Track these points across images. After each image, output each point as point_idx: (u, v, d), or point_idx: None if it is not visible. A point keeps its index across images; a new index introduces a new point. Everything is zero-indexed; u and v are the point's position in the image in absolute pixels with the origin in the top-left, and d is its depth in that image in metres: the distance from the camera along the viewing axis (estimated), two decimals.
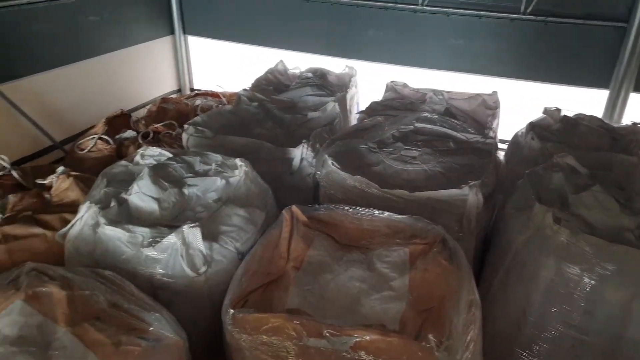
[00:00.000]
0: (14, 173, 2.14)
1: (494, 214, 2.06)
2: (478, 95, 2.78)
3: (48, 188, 2.09)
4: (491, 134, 2.44)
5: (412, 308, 1.36)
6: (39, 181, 2.09)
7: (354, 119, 2.82)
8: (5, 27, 2.46)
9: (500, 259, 1.74)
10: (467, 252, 1.57)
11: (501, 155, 2.31)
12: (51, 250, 1.81)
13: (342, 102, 2.62)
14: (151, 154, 1.88)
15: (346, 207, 1.68)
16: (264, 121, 2.54)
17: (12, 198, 2.01)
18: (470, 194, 1.75)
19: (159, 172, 1.74)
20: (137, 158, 1.87)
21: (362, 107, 2.64)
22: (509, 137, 2.54)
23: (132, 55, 3.27)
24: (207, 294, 1.55)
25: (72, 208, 1.96)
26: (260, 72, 3.06)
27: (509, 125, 2.71)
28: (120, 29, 3.15)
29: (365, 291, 1.42)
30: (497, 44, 2.93)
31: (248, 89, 2.79)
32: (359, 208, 1.67)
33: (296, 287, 1.43)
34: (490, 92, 2.77)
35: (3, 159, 2.14)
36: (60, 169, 2.09)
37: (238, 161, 1.91)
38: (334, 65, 3.18)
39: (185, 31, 3.67)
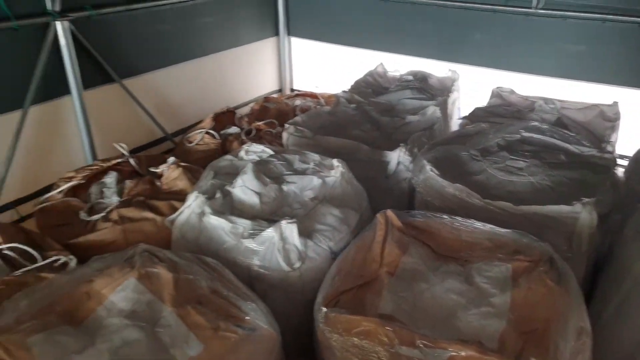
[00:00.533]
0: (131, 160, 2.34)
1: (609, 236, 1.88)
2: (595, 105, 2.55)
3: (159, 176, 2.26)
4: (609, 148, 2.23)
5: (512, 328, 1.27)
6: (152, 169, 2.27)
7: (455, 125, 2.73)
8: (134, 27, 2.70)
9: (616, 285, 1.58)
10: (575, 274, 1.45)
11: (620, 172, 2.11)
12: (159, 234, 1.95)
13: (443, 107, 2.55)
14: (254, 150, 1.96)
15: (444, 216, 1.62)
16: (361, 123, 2.54)
17: (128, 183, 2.20)
18: (583, 212, 1.61)
19: (261, 168, 1.81)
20: (242, 153, 1.96)
21: (464, 113, 2.55)
22: (630, 153, 2.31)
23: (240, 55, 3.43)
24: (301, 290, 1.58)
25: (180, 196, 2.10)
26: (359, 74, 3.07)
27: (631, 139, 2.46)
28: (231, 30, 3.33)
29: (463, 305, 1.36)
30: (624, 50, 2.67)
31: (347, 90, 2.81)
32: (458, 218, 1.61)
33: (390, 293, 1.41)
34: (609, 102, 2.54)
35: (123, 147, 2.35)
36: (171, 159, 2.25)
37: (335, 161, 1.93)
38: (436, 68, 3.10)
39: (290, 33, 3.79)
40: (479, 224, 1.58)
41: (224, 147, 2.63)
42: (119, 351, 1.19)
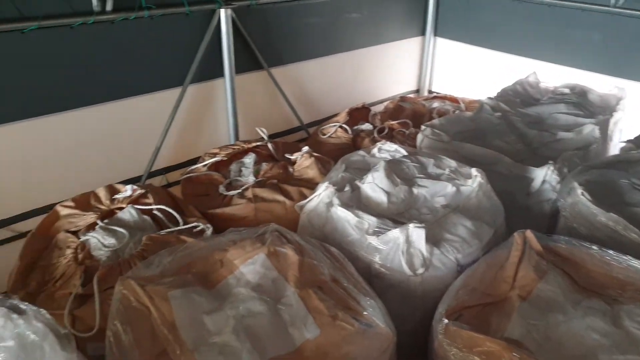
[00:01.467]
0: (269, 145, 2.47)
1: None
2: None
3: (293, 163, 2.35)
4: None
5: None
6: (287, 155, 2.37)
7: (615, 148, 2.44)
8: (287, 18, 2.84)
9: None
10: None
11: None
12: (287, 217, 2.03)
13: (603, 127, 2.28)
14: (388, 149, 1.95)
15: (594, 247, 1.45)
16: (505, 134, 2.39)
17: (264, 166, 2.33)
18: None
19: (393, 167, 1.79)
20: (375, 150, 1.96)
21: (629, 136, 2.26)
22: None
23: (381, 52, 3.44)
24: (420, 296, 1.53)
25: (309, 184, 2.17)
26: (507, 81, 2.89)
27: None
28: (376, 27, 3.34)
29: (606, 348, 1.20)
30: None
31: (492, 98, 2.66)
32: (610, 251, 1.43)
33: (520, 318, 1.30)
34: None
35: (263, 132, 2.49)
36: (305, 148, 2.33)
37: (473, 171, 1.83)
38: (598, 83, 2.79)
39: (436, 33, 3.69)
40: (635, 262, 1.39)
41: (355, 143, 2.65)
42: (244, 320, 1.26)
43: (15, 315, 1.18)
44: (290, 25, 2.86)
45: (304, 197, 2.09)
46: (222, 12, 2.47)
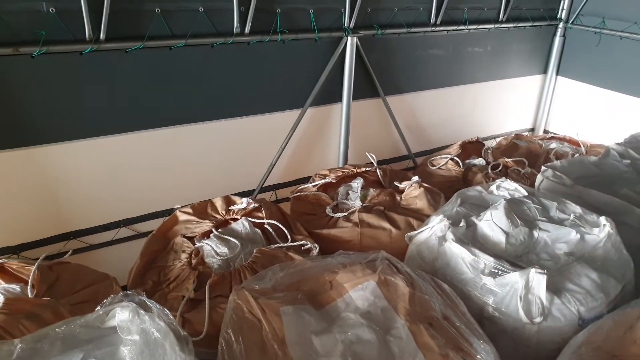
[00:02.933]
0: (378, 171, 2.47)
1: None
2: None
3: (400, 191, 2.33)
4: None
5: None
6: (396, 183, 2.36)
7: None
8: (409, 48, 2.87)
9: None
10: None
11: None
12: (391, 245, 2.00)
13: None
14: (507, 187, 1.86)
15: None
16: (634, 183, 2.18)
17: (372, 191, 2.33)
18: None
19: (513, 207, 1.70)
20: (493, 187, 1.88)
21: None
22: None
23: (500, 88, 3.34)
24: (534, 346, 1.42)
25: (417, 214, 2.13)
26: (635, 127, 2.65)
27: None
28: (497, 62, 3.26)
29: None
30: None
31: (620, 143, 2.45)
32: None
33: None
34: None
35: (372, 157, 2.50)
36: (415, 178, 2.30)
37: (602, 219, 1.69)
38: None
39: (559, 72, 3.51)
40: None
41: (466, 177, 2.57)
42: (352, 346, 1.24)
43: (142, 312, 1.26)
44: (411, 56, 2.88)
45: (411, 226, 2.05)
46: (349, 40, 2.55)
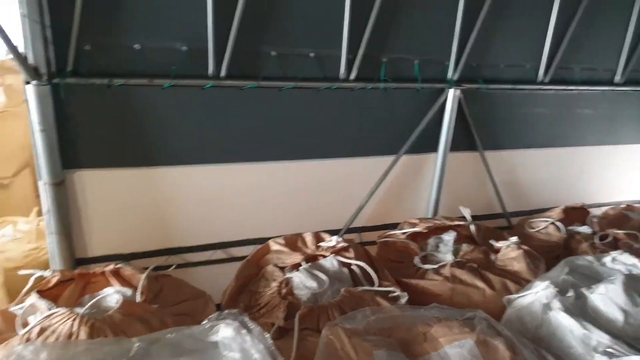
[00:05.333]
0: (472, 227, 2.41)
1: None
2: None
3: (495, 250, 2.25)
4: None
5: None
6: (492, 242, 2.28)
7: None
8: (512, 104, 2.83)
9: None
10: None
11: None
12: (485, 306, 1.90)
13: None
14: (624, 262, 1.75)
15: None
16: None
17: (465, 247, 2.27)
18: None
19: (632, 284, 1.58)
20: (607, 260, 1.77)
21: None
22: None
23: (611, 154, 3.17)
24: None
25: (514, 277, 2.04)
26: None
27: None
28: (609, 126, 3.11)
29: None
30: None
31: None
32: None
33: None
34: None
35: (467, 212, 2.45)
36: (514, 239, 2.21)
37: None
38: None
39: None
40: None
41: (568, 244, 2.42)
42: None
43: (244, 331, 1.31)
44: (515, 112, 2.84)
45: (507, 289, 1.97)
46: (451, 92, 2.57)
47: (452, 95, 2.58)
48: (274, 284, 1.97)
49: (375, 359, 1.30)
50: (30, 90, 1.78)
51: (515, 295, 1.69)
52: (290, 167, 2.48)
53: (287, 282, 1.95)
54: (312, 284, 1.93)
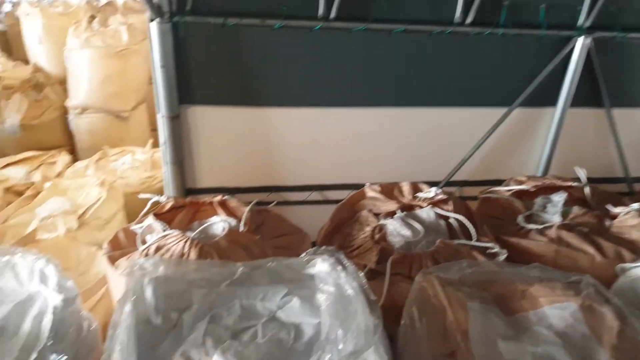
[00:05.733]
0: (586, 189, 2.22)
1: None
2: None
3: (612, 216, 2.06)
4: None
5: None
6: (608, 207, 2.09)
7: None
8: None
9: None
10: None
11: None
12: (592, 272, 1.76)
13: None
14: None
15: None
16: None
17: (576, 209, 2.10)
18: None
19: None
20: None
21: None
22: None
23: None
24: None
25: (631, 246, 1.86)
26: None
27: None
28: None
29: None
30: None
31: None
32: None
33: None
34: None
35: (582, 173, 2.25)
36: (636, 205, 2.01)
37: None
38: None
39: None
40: None
41: None
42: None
43: (339, 268, 1.35)
44: None
45: (621, 257, 1.81)
46: (580, 40, 2.31)
47: (580, 45, 2.32)
48: (368, 229, 1.99)
49: (468, 310, 1.28)
50: (154, 27, 1.90)
51: (631, 265, 1.56)
52: (394, 113, 2.43)
53: (381, 229, 1.97)
54: (407, 232, 1.93)
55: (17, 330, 1.16)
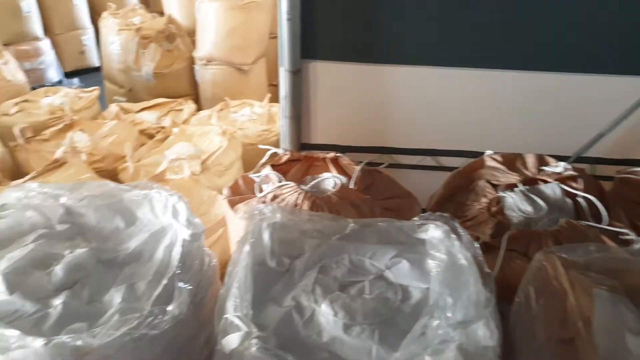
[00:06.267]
0: None
1: None
2: None
3: None
4: None
5: None
6: None
7: None
8: None
9: None
10: None
11: None
12: None
13: None
14: None
15: None
16: None
17: None
18: None
19: None
20: None
21: None
22: None
23: None
24: None
25: None
26: None
27: None
28: None
29: None
30: None
31: None
32: None
33: None
34: None
35: None
36: None
37: None
38: None
39: None
40: None
41: None
42: None
43: (453, 236, 1.30)
44: None
45: None
46: None
47: None
48: (484, 200, 1.90)
49: (593, 297, 1.17)
50: None
51: None
52: (526, 77, 2.23)
53: (499, 201, 1.86)
54: (527, 207, 1.81)
55: (151, 256, 1.29)
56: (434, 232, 1.30)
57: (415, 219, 1.37)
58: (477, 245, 1.27)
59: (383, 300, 1.19)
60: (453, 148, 2.43)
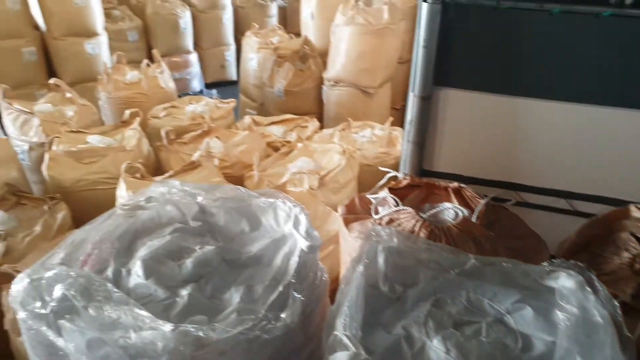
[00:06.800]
0: None
1: None
2: None
3: None
4: None
5: None
6: None
7: None
8: None
9: None
10: None
11: None
12: None
13: None
14: None
15: None
16: None
17: None
18: None
19: None
20: None
21: None
22: None
23: None
24: None
25: None
26: None
27: None
28: None
29: None
30: None
31: None
32: None
33: None
34: None
35: None
36: None
37: None
38: None
39: None
40: None
41: None
42: None
43: (588, 289, 1.17)
44: None
45: None
46: None
47: None
48: (626, 255, 1.70)
49: None
50: (424, 8, 1.92)
51: None
52: None
53: None
54: None
55: (270, 262, 1.35)
56: (565, 281, 1.18)
57: (544, 264, 1.26)
58: (616, 303, 1.13)
59: (501, 347, 1.10)
60: (592, 193, 2.21)
